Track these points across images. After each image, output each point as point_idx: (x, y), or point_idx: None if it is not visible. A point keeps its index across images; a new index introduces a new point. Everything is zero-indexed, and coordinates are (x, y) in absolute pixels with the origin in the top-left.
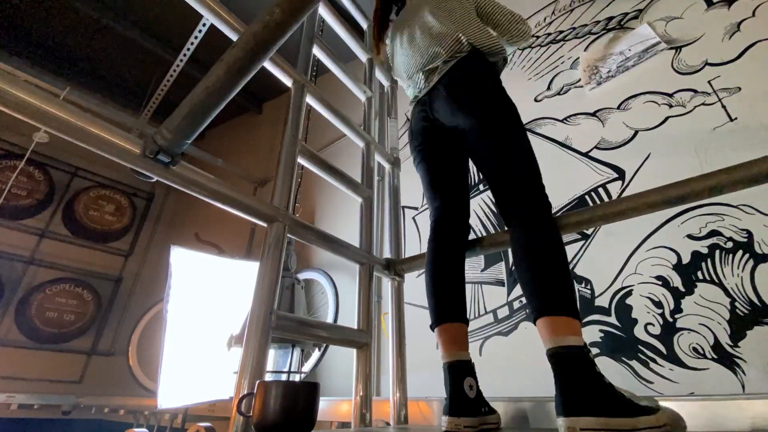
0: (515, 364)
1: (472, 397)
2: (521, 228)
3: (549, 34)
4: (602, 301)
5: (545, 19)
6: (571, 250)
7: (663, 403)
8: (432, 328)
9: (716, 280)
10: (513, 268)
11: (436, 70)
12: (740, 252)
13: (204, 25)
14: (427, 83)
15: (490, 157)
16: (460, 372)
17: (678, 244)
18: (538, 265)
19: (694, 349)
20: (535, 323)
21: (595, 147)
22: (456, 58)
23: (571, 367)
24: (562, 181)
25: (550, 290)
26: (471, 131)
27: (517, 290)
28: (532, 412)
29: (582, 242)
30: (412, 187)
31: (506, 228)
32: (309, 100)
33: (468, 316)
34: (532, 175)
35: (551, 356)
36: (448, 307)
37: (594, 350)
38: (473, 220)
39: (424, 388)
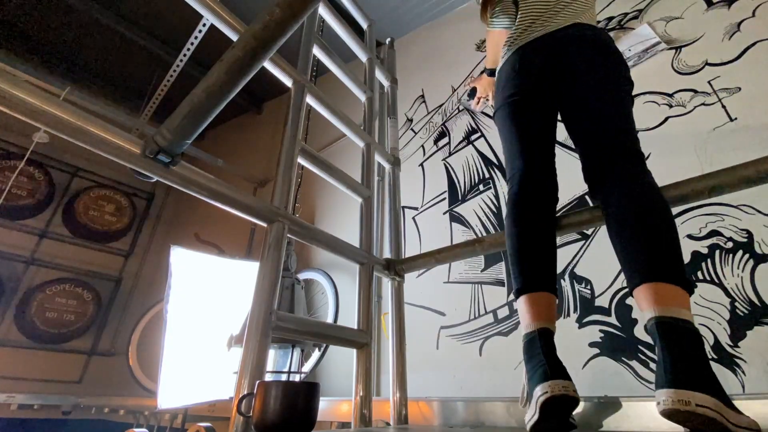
0: (515, 364)
1: (563, 366)
2: (627, 185)
3: None
4: (602, 301)
5: None
6: (571, 250)
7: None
8: (518, 294)
9: (716, 280)
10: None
11: (580, 14)
12: (740, 252)
13: (204, 25)
14: (566, 22)
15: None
16: (551, 340)
17: None
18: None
19: None
20: (632, 292)
21: None
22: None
23: (689, 341)
24: (562, 181)
25: (666, 254)
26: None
27: None
28: None
29: (582, 242)
30: (412, 187)
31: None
32: (309, 100)
33: (468, 316)
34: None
35: (662, 323)
36: (544, 273)
37: (594, 350)
38: (473, 220)
39: (424, 388)
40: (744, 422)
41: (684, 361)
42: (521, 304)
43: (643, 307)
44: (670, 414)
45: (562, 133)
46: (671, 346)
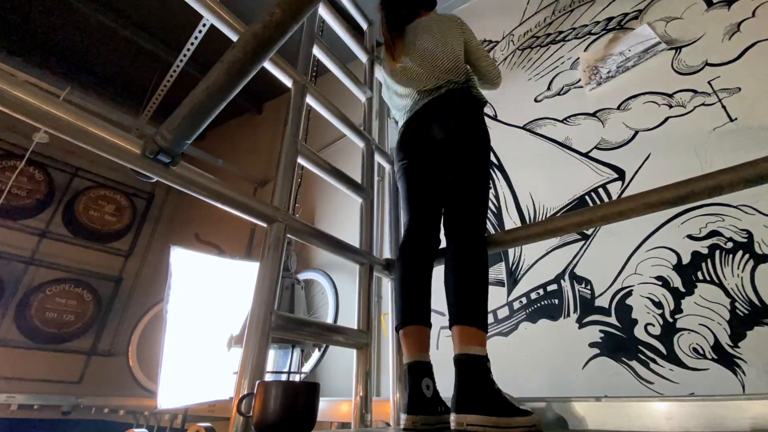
0: (515, 364)
1: (428, 396)
2: (459, 245)
3: (549, 35)
4: (602, 302)
5: (545, 19)
6: (571, 250)
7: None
8: (397, 330)
9: (716, 281)
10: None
11: (438, 89)
12: (740, 252)
13: (204, 25)
14: (428, 97)
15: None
16: (418, 372)
17: (678, 245)
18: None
19: (694, 349)
20: (450, 328)
21: (595, 147)
22: (456, 85)
23: (474, 371)
24: (562, 181)
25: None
26: (458, 154)
27: (517, 291)
28: None
29: (582, 242)
30: None
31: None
32: (309, 100)
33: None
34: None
35: (455, 360)
36: (416, 310)
37: (594, 350)
38: None
39: None
40: (517, 423)
41: (465, 389)
42: (400, 337)
43: (453, 343)
44: None
45: (562, 134)
46: (459, 377)
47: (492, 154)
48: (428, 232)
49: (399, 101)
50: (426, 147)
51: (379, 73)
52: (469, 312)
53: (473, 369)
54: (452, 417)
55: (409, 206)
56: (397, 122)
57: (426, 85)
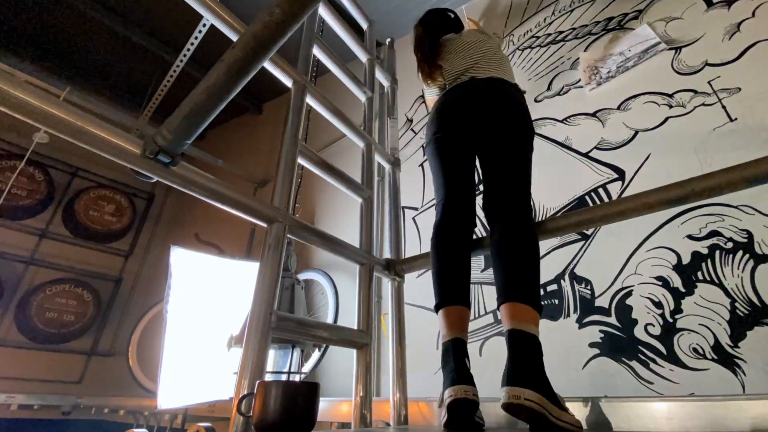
0: None
1: (469, 373)
2: (510, 224)
3: (549, 35)
4: (602, 302)
5: (545, 19)
6: (571, 251)
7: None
8: (437, 309)
9: (716, 281)
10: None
11: (482, 72)
12: (740, 252)
13: (204, 25)
14: (472, 73)
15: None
16: (461, 348)
17: (678, 245)
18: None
19: (694, 349)
20: (498, 307)
21: (595, 147)
22: (501, 74)
23: (528, 348)
24: (562, 181)
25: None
26: (509, 133)
27: None
28: None
29: (582, 242)
30: (412, 187)
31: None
32: (309, 100)
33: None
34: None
35: (509, 335)
36: (457, 290)
37: (594, 350)
38: None
39: (424, 388)
40: (566, 418)
41: (521, 364)
42: (439, 317)
43: (503, 322)
44: (506, 407)
45: (562, 134)
46: (514, 352)
47: None
48: (466, 210)
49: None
50: (469, 120)
51: (382, 75)
52: (524, 289)
53: (530, 346)
54: (504, 390)
55: (447, 182)
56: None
57: (471, 66)
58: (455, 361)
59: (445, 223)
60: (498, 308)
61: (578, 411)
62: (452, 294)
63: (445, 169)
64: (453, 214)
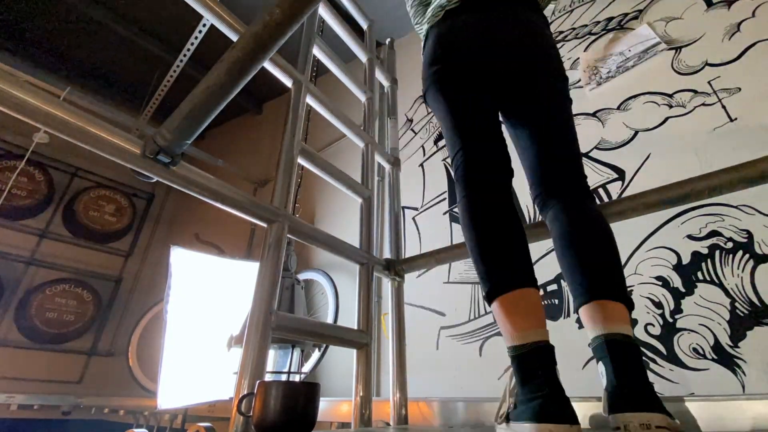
0: None
1: (566, 396)
2: (577, 199)
3: None
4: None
5: None
6: None
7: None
8: (491, 298)
9: (716, 281)
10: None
11: None
12: (740, 252)
13: (204, 25)
14: None
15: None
16: (551, 358)
17: (678, 245)
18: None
19: (694, 349)
20: (578, 309)
21: (595, 147)
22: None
23: (635, 358)
24: None
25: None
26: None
27: None
28: None
29: None
30: (412, 187)
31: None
32: (309, 100)
33: (468, 317)
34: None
35: (609, 342)
36: (518, 266)
37: None
38: None
39: (424, 388)
40: (679, 426)
41: (635, 380)
42: (499, 310)
43: (593, 322)
44: None
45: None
46: (621, 364)
47: None
48: (501, 158)
49: None
50: (494, 57)
51: None
52: (614, 283)
53: (637, 355)
54: (625, 416)
55: (468, 122)
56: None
57: None
58: (547, 379)
59: (480, 169)
60: (577, 309)
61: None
62: (516, 271)
63: (464, 109)
64: (486, 160)
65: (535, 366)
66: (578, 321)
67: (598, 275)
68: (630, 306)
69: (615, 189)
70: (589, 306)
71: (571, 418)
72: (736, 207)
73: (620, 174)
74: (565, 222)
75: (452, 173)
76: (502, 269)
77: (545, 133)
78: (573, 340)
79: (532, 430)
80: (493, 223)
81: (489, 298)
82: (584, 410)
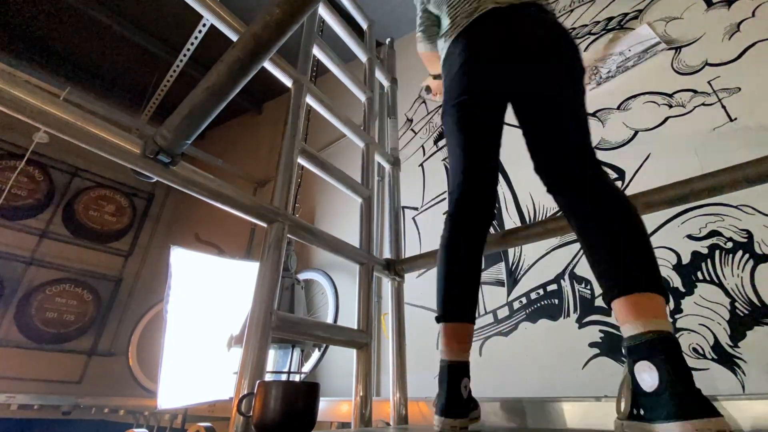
0: (515, 364)
1: (465, 398)
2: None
3: None
4: (602, 302)
5: None
6: (571, 250)
7: None
8: (438, 320)
9: (716, 281)
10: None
11: None
12: (740, 252)
13: (204, 25)
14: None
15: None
16: (458, 373)
17: (678, 245)
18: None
19: (694, 349)
20: (609, 304)
21: (595, 147)
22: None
23: (678, 357)
24: None
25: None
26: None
27: (518, 290)
28: (531, 413)
29: None
30: (412, 187)
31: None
32: (309, 100)
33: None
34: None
35: (648, 342)
36: (465, 304)
37: (594, 350)
38: None
39: (424, 388)
40: (722, 424)
41: (679, 385)
42: (443, 331)
43: (628, 319)
44: None
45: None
46: (673, 367)
47: None
48: (488, 202)
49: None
50: (507, 74)
51: None
52: (650, 272)
53: (679, 352)
54: (685, 424)
55: (470, 163)
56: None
57: None
58: (449, 388)
59: (462, 218)
60: (609, 303)
61: (578, 411)
62: (459, 308)
63: (470, 146)
64: (473, 207)
65: (444, 377)
66: (578, 321)
67: (629, 264)
68: (666, 295)
69: None
70: (622, 300)
71: (459, 414)
72: (736, 207)
73: (620, 174)
74: (573, 223)
75: (447, 197)
76: (452, 305)
77: (534, 129)
78: (573, 340)
79: (436, 419)
80: (456, 269)
81: (438, 321)
82: (584, 410)
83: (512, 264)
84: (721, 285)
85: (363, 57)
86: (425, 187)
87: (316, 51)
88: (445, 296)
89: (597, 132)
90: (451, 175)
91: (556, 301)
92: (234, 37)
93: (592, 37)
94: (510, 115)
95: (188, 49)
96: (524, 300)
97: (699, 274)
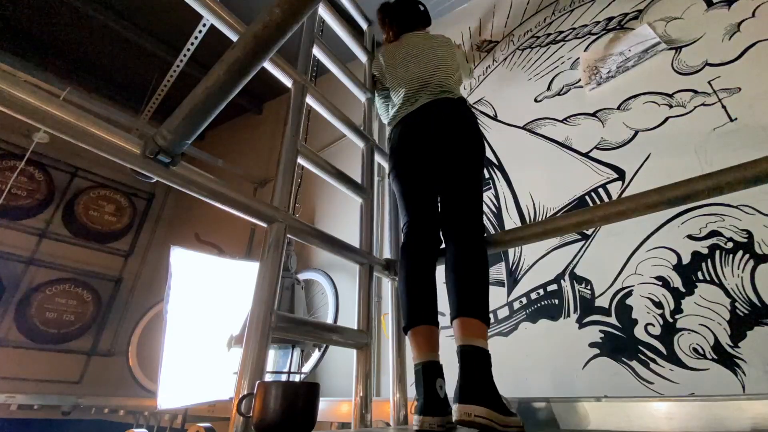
0: (515, 364)
1: (441, 397)
2: (461, 241)
3: (549, 35)
4: (602, 302)
5: (545, 19)
6: (571, 251)
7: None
8: (405, 331)
9: (716, 281)
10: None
11: (441, 88)
12: (740, 252)
13: (204, 25)
14: (432, 96)
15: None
16: (432, 373)
17: (678, 245)
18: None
19: (695, 349)
20: (451, 323)
21: (595, 147)
22: (452, 95)
23: (478, 363)
24: (562, 181)
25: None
26: (463, 158)
27: (518, 291)
28: (531, 413)
29: (582, 242)
30: None
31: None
32: (309, 100)
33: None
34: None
35: (460, 351)
36: (424, 310)
37: (594, 350)
38: None
39: None
40: (511, 422)
41: (471, 381)
42: (409, 338)
43: (455, 337)
44: (459, 423)
45: (562, 134)
46: (464, 369)
47: (492, 154)
48: (429, 231)
49: (399, 89)
50: (428, 157)
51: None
52: (473, 305)
53: (479, 361)
54: (456, 407)
55: (410, 208)
56: (389, 116)
57: (424, 83)
58: (425, 388)
59: (411, 244)
60: (451, 323)
61: (578, 411)
62: (419, 314)
63: (407, 198)
64: (418, 236)
65: (419, 379)
66: (578, 321)
67: (461, 297)
68: (485, 321)
69: (615, 189)
70: (455, 321)
71: (438, 412)
72: (736, 207)
73: (620, 174)
74: (449, 259)
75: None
76: (413, 313)
77: (443, 196)
78: (573, 341)
79: (415, 419)
80: (413, 285)
81: (405, 331)
82: (584, 410)
83: (512, 264)
84: (721, 285)
85: (363, 57)
86: None
87: (316, 51)
88: (408, 307)
89: (597, 132)
90: (402, 213)
91: (557, 301)
92: (234, 38)
93: (592, 37)
94: (510, 115)
95: (188, 49)
96: (524, 300)
97: (699, 274)
